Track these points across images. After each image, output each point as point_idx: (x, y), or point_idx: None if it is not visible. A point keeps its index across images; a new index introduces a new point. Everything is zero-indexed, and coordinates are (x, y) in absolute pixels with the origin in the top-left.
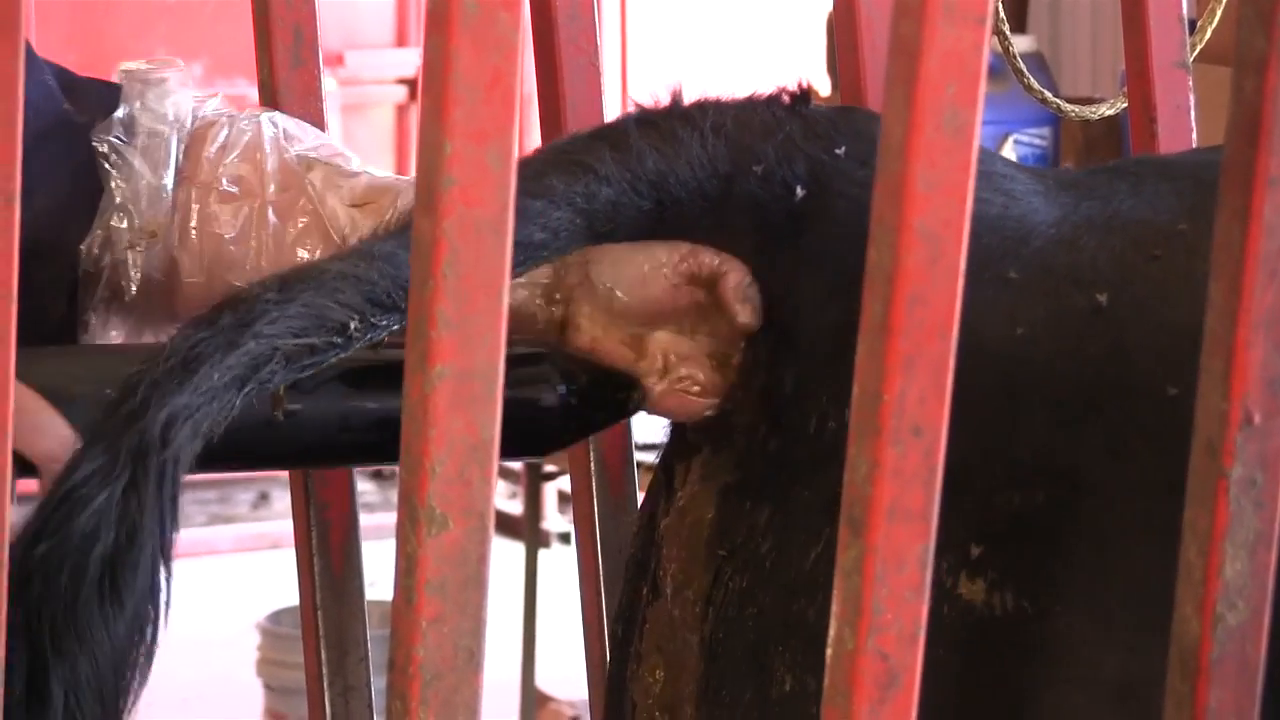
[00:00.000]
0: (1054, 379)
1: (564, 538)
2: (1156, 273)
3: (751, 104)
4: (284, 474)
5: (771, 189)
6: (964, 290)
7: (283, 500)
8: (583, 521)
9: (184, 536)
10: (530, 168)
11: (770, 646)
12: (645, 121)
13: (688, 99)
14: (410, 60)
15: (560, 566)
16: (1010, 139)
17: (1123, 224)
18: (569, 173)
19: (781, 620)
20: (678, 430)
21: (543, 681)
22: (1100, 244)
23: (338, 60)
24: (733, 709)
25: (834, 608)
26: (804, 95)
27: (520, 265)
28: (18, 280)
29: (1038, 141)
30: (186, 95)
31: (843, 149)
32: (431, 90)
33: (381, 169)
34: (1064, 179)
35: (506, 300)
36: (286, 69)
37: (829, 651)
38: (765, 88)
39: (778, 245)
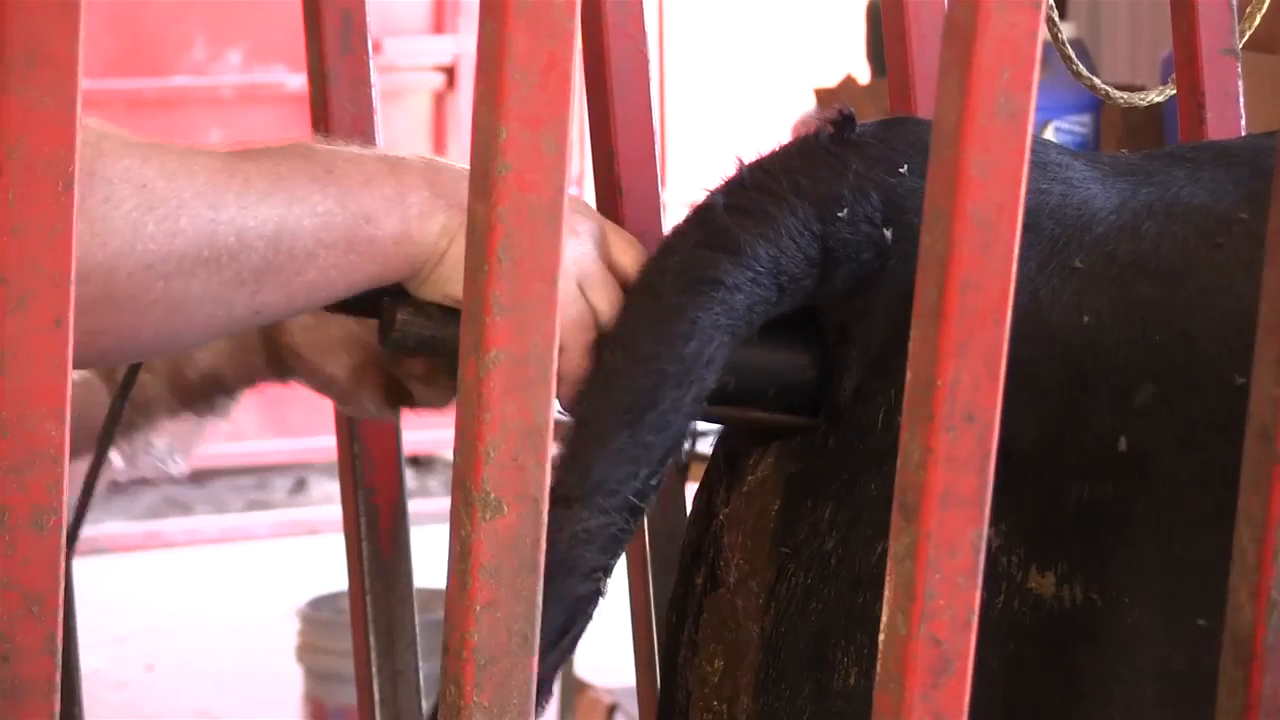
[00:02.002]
0: (1122, 368)
1: None
2: (1220, 260)
3: (808, 148)
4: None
5: (857, 229)
6: (1031, 279)
7: (320, 486)
8: None
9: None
10: (665, 299)
11: (833, 640)
12: (735, 208)
13: (748, 162)
14: (448, 48)
15: None
16: (1050, 126)
17: (1184, 210)
18: (701, 295)
19: (845, 614)
20: (742, 420)
21: (581, 669)
22: (1162, 231)
23: (375, 47)
24: (792, 701)
25: (887, 593)
26: (847, 121)
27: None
28: None
29: (1078, 128)
30: None
31: (905, 167)
32: (486, 75)
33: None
34: (1120, 164)
35: (559, 285)
36: (336, 55)
37: (882, 637)
38: (803, 75)
39: (866, 278)
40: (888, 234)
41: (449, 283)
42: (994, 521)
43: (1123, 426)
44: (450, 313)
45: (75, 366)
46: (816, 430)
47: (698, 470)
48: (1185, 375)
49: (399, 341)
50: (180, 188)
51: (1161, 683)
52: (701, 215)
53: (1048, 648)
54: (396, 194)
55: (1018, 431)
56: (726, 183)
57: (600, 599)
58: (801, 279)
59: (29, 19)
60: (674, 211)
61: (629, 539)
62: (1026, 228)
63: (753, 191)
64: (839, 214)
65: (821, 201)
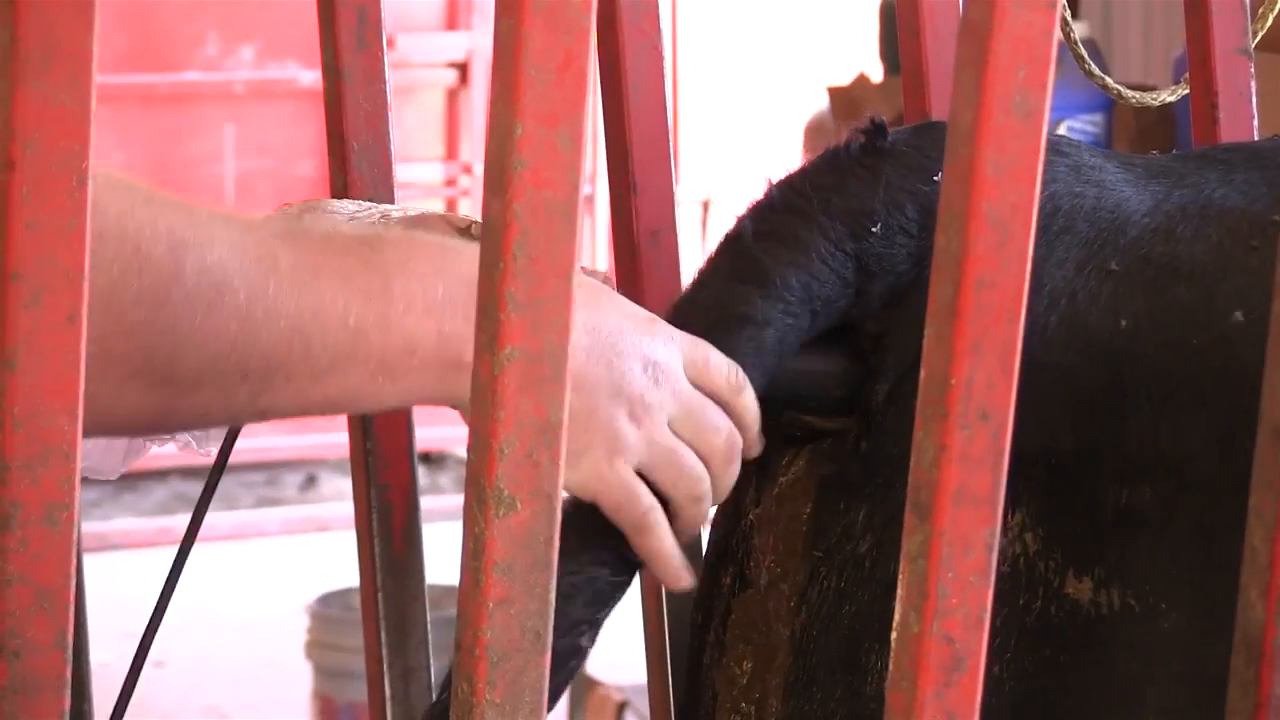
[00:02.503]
0: (1160, 372)
1: None
2: (1256, 263)
3: (838, 161)
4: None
5: (892, 242)
6: (1069, 281)
7: (330, 483)
8: None
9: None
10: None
11: (866, 643)
12: (764, 234)
13: (778, 180)
14: (460, 44)
15: None
16: (1063, 125)
17: (1217, 213)
18: (730, 334)
19: (879, 617)
20: (774, 422)
21: (591, 666)
22: (1197, 233)
23: (389, 43)
24: (824, 704)
25: (899, 591)
26: (879, 130)
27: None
28: None
29: (1090, 128)
30: None
31: (939, 175)
32: (502, 72)
33: (431, 154)
34: (1152, 166)
35: (574, 282)
36: (350, 51)
37: (894, 635)
38: (816, 73)
39: (903, 289)
40: (918, 235)
41: None
42: (1031, 526)
43: (1161, 431)
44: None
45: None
46: (849, 434)
47: None
48: (1223, 379)
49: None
50: (183, 258)
51: (1197, 687)
52: (731, 245)
53: (1084, 652)
54: (456, 331)
55: (1056, 436)
56: (755, 206)
57: (583, 655)
58: (836, 300)
59: (45, 15)
60: (687, 209)
61: (622, 592)
62: (1062, 230)
63: (783, 214)
64: (873, 229)
65: (854, 218)
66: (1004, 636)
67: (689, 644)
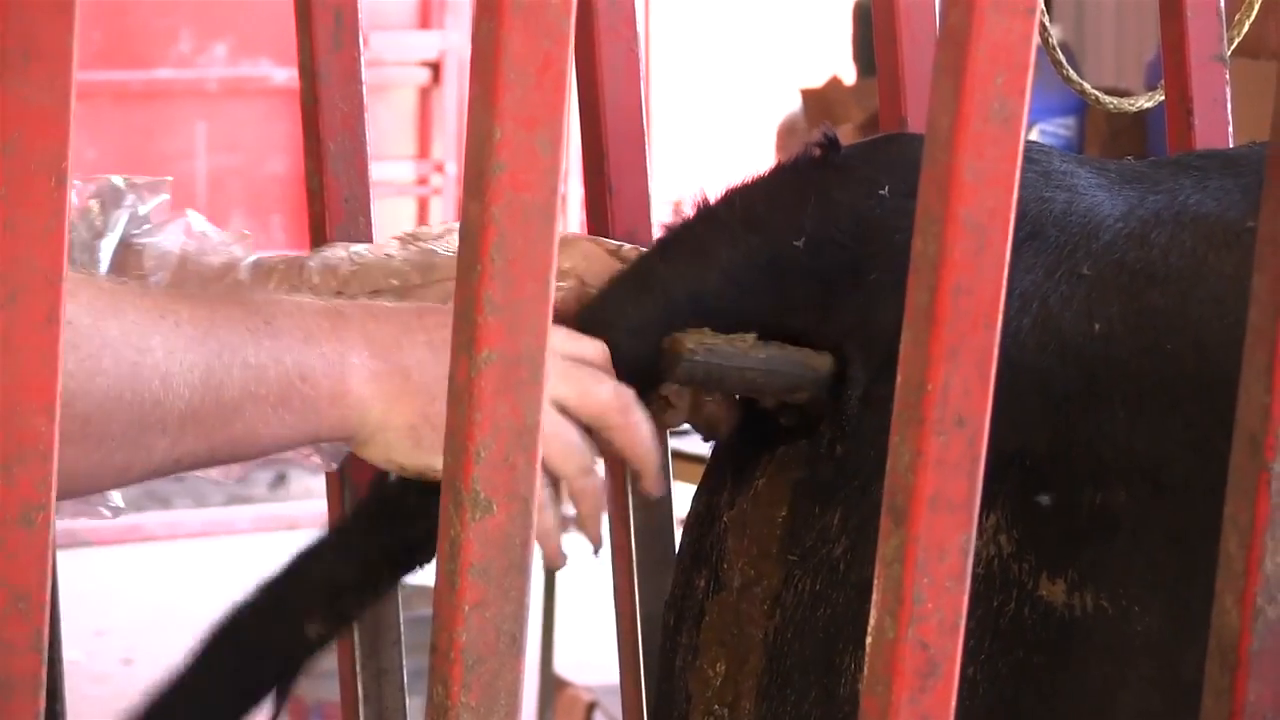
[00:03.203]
0: (1135, 377)
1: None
2: (1230, 269)
3: (781, 174)
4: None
5: (821, 254)
6: (1040, 285)
7: (300, 482)
8: (617, 507)
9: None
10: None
11: (841, 645)
12: (670, 242)
13: (715, 195)
14: (434, 43)
15: (579, 552)
16: (1036, 128)
17: (1192, 218)
18: (599, 335)
19: (854, 620)
20: (749, 424)
21: (561, 666)
22: (1171, 239)
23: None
24: (798, 706)
25: (875, 596)
26: (832, 143)
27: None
28: None
29: (1063, 131)
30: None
31: (885, 188)
32: (481, 75)
33: (403, 152)
34: (1126, 172)
35: (553, 285)
36: (327, 52)
37: (869, 640)
38: (789, 75)
39: (841, 299)
40: (852, 248)
41: (392, 448)
42: (1005, 528)
43: (1136, 434)
44: (732, 342)
45: None
46: (824, 437)
47: (683, 469)
48: (1197, 384)
49: (690, 371)
50: (106, 326)
51: (1170, 690)
52: (640, 259)
53: (1057, 655)
54: (336, 352)
55: (1030, 438)
56: (687, 215)
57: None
58: (742, 309)
59: (24, 15)
60: (658, 210)
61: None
62: (1030, 235)
63: (700, 226)
64: (794, 242)
65: (775, 229)
66: (978, 639)
67: (660, 646)
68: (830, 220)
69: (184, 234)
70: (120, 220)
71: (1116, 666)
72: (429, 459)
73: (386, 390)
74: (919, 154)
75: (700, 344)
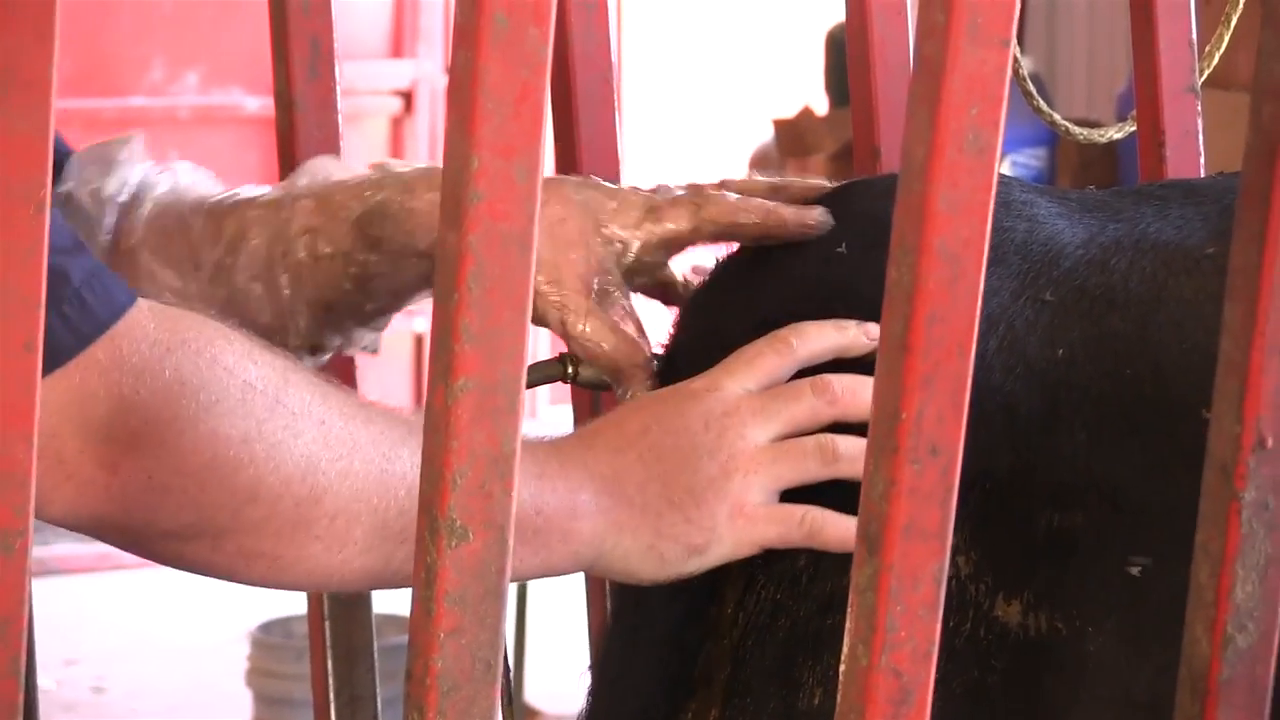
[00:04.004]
0: (1095, 401)
1: None
2: (1189, 293)
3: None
4: None
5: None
6: (1006, 308)
7: None
8: None
9: None
10: None
11: (800, 659)
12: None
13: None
14: (406, 72)
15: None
16: (1007, 159)
17: (1152, 246)
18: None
19: (814, 634)
20: None
21: (531, 695)
22: (1131, 265)
23: None
24: (756, 716)
25: (848, 624)
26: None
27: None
28: None
29: (1034, 162)
30: (132, 168)
31: (843, 244)
32: (459, 104)
33: None
34: (1088, 201)
35: (529, 314)
36: (303, 80)
37: (843, 668)
38: (762, 106)
39: None
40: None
41: (638, 570)
42: (963, 550)
43: (1095, 457)
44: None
45: (225, 578)
46: None
47: None
48: (1155, 409)
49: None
50: (357, 431)
51: (1123, 710)
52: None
53: (1011, 675)
54: (567, 489)
55: (992, 460)
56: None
57: None
58: None
59: (4, 43)
60: None
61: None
62: (993, 262)
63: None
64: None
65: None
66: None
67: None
68: (791, 298)
69: (178, 179)
70: (119, 185)
71: (1069, 686)
72: (678, 569)
73: (617, 521)
74: (872, 203)
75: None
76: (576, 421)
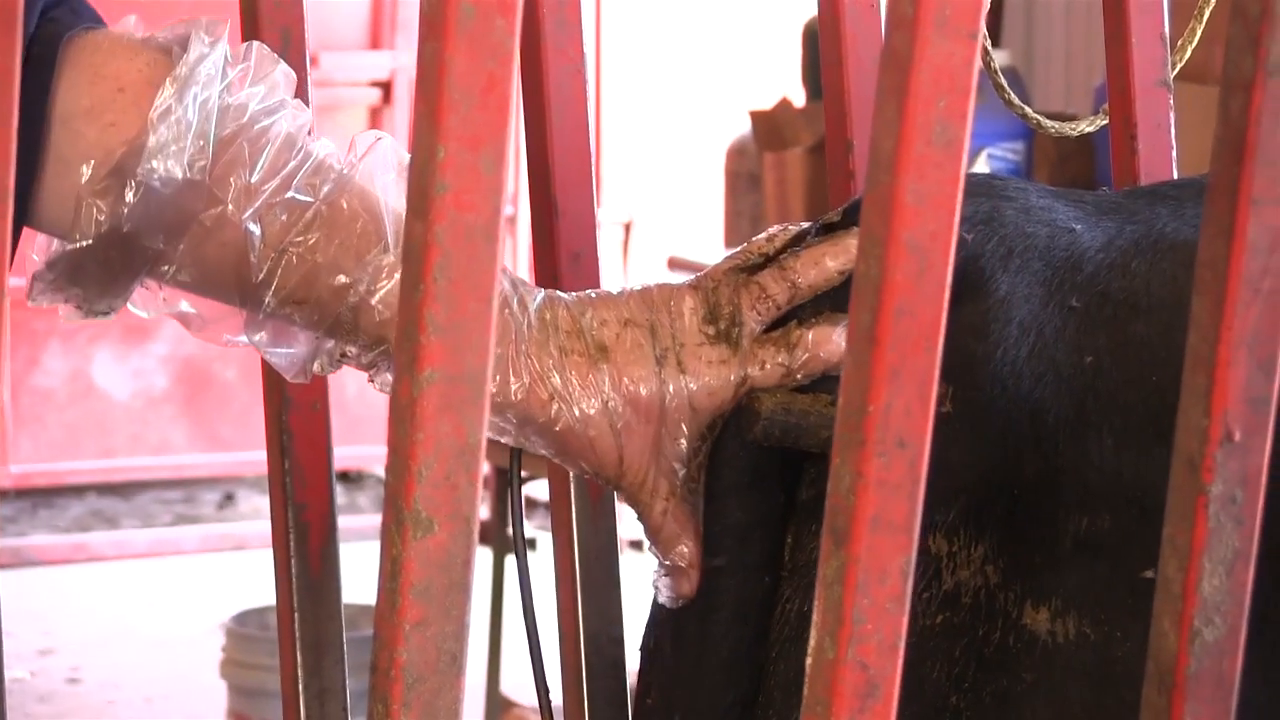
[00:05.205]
0: (1123, 409)
1: (530, 543)
2: None
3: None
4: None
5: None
6: (1036, 316)
7: (248, 501)
8: (561, 527)
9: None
10: None
11: None
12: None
13: None
14: (384, 63)
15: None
16: (984, 153)
17: (1170, 247)
18: None
19: None
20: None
21: (508, 687)
22: (1152, 268)
23: (312, 62)
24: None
25: (815, 617)
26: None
27: None
28: None
29: (1011, 156)
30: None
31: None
32: (425, 94)
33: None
34: (1103, 203)
35: (496, 305)
36: None
37: (809, 661)
38: (739, 97)
39: None
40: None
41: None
42: (992, 559)
43: (1123, 462)
44: (812, 402)
45: None
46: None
47: None
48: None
49: (767, 430)
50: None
51: None
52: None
53: (1039, 682)
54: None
55: (1020, 467)
56: None
57: None
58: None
59: None
60: (609, 231)
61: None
62: (1020, 269)
63: None
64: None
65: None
66: (962, 666)
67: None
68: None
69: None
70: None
71: (1095, 692)
72: None
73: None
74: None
75: (779, 404)
76: None
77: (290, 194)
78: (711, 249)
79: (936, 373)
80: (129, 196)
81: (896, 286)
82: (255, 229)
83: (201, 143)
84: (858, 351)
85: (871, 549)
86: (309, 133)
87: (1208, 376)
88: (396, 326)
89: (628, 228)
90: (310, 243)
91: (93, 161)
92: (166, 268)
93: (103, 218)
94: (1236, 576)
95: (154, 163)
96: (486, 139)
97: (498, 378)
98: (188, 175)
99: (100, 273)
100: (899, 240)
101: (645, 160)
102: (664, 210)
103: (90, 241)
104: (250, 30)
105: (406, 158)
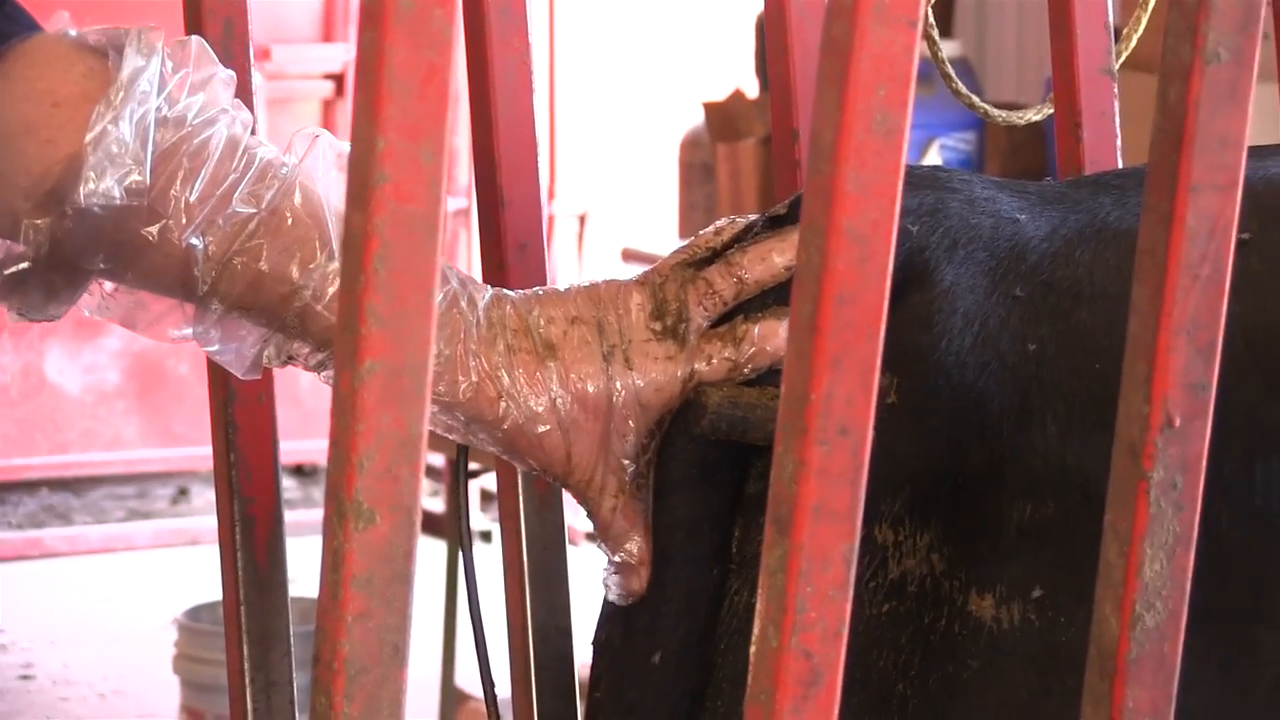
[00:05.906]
0: (1067, 397)
1: (484, 536)
2: None
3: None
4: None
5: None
6: (981, 305)
7: (202, 496)
8: (508, 519)
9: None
10: None
11: None
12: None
13: None
14: (337, 55)
15: (480, 564)
16: (936, 143)
17: (1113, 235)
18: None
19: None
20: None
21: (463, 680)
22: (1095, 257)
23: (264, 55)
24: (727, 717)
25: (759, 606)
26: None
27: None
28: None
29: (963, 145)
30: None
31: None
32: (365, 85)
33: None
34: (1047, 193)
35: (437, 296)
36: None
37: (753, 649)
38: (693, 88)
39: None
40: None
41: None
42: (938, 547)
43: (1067, 449)
44: (759, 396)
45: None
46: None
47: None
48: None
49: (714, 424)
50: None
51: None
52: None
53: (985, 668)
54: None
55: (965, 456)
56: None
57: None
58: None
59: None
60: (563, 223)
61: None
62: (965, 259)
63: None
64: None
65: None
66: (909, 654)
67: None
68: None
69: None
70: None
71: (1040, 678)
72: None
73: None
74: None
75: (725, 398)
76: None
77: (232, 206)
78: (666, 240)
79: (878, 361)
80: (68, 223)
81: (838, 275)
82: (198, 242)
83: (139, 163)
84: (800, 340)
85: (814, 537)
86: (252, 132)
87: (1148, 363)
88: (337, 317)
89: (582, 219)
90: (255, 251)
91: (32, 177)
92: (110, 283)
93: (43, 239)
94: (1177, 561)
95: (91, 185)
96: (426, 129)
97: (446, 377)
98: (125, 200)
99: (43, 287)
100: (840, 229)
101: (600, 152)
102: (619, 202)
103: (29, 264)
104: (193, 21)
105: (346, 149)
